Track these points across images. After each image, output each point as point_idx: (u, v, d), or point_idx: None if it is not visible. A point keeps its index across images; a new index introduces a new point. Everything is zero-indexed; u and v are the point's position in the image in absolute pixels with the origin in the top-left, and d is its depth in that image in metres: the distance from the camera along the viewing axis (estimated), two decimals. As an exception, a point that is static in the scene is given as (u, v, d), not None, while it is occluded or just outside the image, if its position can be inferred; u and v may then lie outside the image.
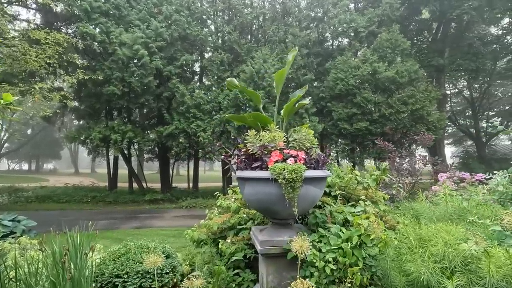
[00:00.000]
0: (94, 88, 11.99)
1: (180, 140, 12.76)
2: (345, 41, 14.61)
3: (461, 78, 14.19)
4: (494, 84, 22.04)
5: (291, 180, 2.19)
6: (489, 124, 21.72)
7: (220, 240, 3.37)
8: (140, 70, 11.29)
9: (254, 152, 2.48)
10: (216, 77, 13.17)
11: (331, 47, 15.61)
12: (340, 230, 2.45)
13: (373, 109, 12.41)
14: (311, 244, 2.34)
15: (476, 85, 22.57)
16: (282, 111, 2.78)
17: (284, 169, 2.24)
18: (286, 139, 2.58)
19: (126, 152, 14.78)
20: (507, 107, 24.96)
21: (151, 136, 12.80)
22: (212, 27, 14.40)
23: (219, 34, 14.36)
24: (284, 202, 2.25)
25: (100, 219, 9.86)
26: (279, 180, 2.20)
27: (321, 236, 2.43)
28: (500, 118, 24.58)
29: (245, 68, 12.15)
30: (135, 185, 15.68)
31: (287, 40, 13.50)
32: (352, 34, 13.05)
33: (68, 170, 48.69)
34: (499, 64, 19.34)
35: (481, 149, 22.19)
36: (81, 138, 12.06)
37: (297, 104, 2.79)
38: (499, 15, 18.53)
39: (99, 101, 12.18)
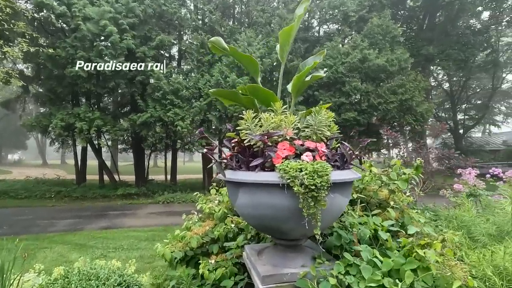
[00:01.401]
0: (56, 69, 10.51)
1: (156, 130, 11.65)
2: (334, 27, 13.92)
3: (446, 69, 14.03)
4: (472, 78, 22.45)
5: (313, 187, 1.41)
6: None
7: (200, 259, 2.57)
8: (108, 49, 9.98)
9: (252, 143, 1.68)
10: (195, 61, 12.06)
11: (317, 34, 14.90)
12: (373, 255, 1.72)
13: (362, 98, 11.91)
14: (335, 276, 1.60)
15: (454, 78, 22.91)
16: (289, 86, 1.98)
17: (301, 170, 1.46)
18: (295, 126, 1.80)
19: (96, 142, 13.42)
20: (481, 100, 25.69)
21: (123, 124, 11.56)
22: (192, 6, 13.17)
23: (199, 15, 13.17)
24: (300, 219, 1.49)
25: (63, 218, 8.72)
26: (294, 188, 1.42)
27: (348, 265, 1.69)
28: (475, 111, 25.31)
29: (227, 52, 11.16)
30: (106, 178, 14.40)
31: (272, 24, 12.60)
32: (341, 19, 12.36)
33: (36, 161, 45.41)
34: (477, 58, 19.58)
35: (459, 141, 22.71)
36: (41, 126, 10.63)
37: (310, 76, 1.99)
38: (480, 8, 18.63)
39: (61, 85, 10.74)
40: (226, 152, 1.90)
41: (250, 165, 1.59)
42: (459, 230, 2.04)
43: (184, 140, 12.66)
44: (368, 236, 1.96)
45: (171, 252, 2.62)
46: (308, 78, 2.00)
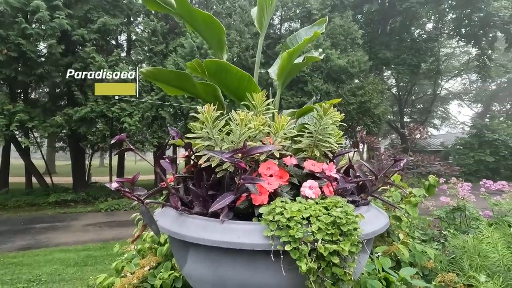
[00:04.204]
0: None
1: (98, 127, 10.10)
2: (296, 25, 13.63)
3: (402, 73, 14.77)
4: (417, 84, 24.31)
5: (335, 259, 0.73)
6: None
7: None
8: (35, 29, 8.24)
9: (214, 165, 0.94)
10: (147, 50, 10.75)
11: (279, 32, 14.51)
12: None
13: (322, 99, 11.77)
14: None
15: (401, 84, 24.59)
16: (272, 71, 1.28)
17: (309, 221, 0.77)
18: (286, 134, 1.10)
19: (21, 140, 11.25)
20: (423, 105, 28.17)
21: (56, 120, 9.77)
22: (143, -11, 11.74)
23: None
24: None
25: (-32, 236, 6.91)
26: (300, 264, 0.72)
27: None
28: (418, 115, 27.63)
29: (183, 42, 10.10)
30: (36, 181, 12.24)
31: (232, 15, 11.83)
32: (304, 16, 12.08)
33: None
34: (422, 65, 21.16)
35: (405, 142, 24.40)
36: None
37: (303, 57, 1.31)
38: (424, 19, 20.06)
39: (-31, 68, 8.64)
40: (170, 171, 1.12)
41: (211, 208, 0.84)
42: (487, 273, 1.55)
43: (135, 138, 11.24)
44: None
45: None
46: (299, 60, 1.32)
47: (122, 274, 2.11)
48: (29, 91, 12.06)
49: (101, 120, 10.33)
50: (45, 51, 10.16)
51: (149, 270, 2.10)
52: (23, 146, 11.27)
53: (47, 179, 12.44)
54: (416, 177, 5.63)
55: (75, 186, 12.15)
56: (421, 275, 1.72)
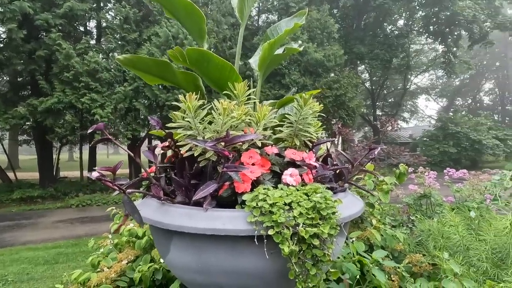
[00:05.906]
0: None
1: (67, 118, 9.55)
2: (274, 17, 13.61)
3: (375, 67, 15.33)
4: (388, 78, 25.33)
5: (315, 241, 0.77)
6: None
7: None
8: (-8, 11, 7.57)
9: (195, 153, 0.94)
10: (119, 38, 10.24)
11: (256, 24, 14.42)
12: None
13: (299, 92, 11.94)
14: None
15: (374, 78, 25.51)
16: (253, 61, 1.28)
17: (290, 206, 0.80)
18: (268, 124, 1.12)
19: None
20: (394, 99, 29.51)
21: (19, 111, 9.10)
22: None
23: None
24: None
25: None
26: (282, 247, 0.75)
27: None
28: (389, 108, 28.91)
29: (158, 31, 9.73)
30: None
31: (210, 3, 11.56)
32: (281, 9, 12.08)
33: None
34: (394, 60, 22.06)
35: (377, 134, 25.47)
36: None
37: (283, 48, 1.33)
38: (396, 16, 20.82)
39: None
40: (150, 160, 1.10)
41: (195, 197, 0.85)
42: (449, 252, 1.69)
43: (108, 131, 10.75)
44: (356, 276, 1.43)
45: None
46: (280, 51, 1.33)
47: (99, 269, 2.07)
48: (-13, 79, 11.13)
49: (70, 112, 9.77)
50: (4, 36, 9.39)
51: (127, 263, 2.07)
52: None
53: (10, 175, 11.66)
54: (387, 167, 5.96)
55: (42, 181, 11.47)
56: (392, 257, 1.84)
